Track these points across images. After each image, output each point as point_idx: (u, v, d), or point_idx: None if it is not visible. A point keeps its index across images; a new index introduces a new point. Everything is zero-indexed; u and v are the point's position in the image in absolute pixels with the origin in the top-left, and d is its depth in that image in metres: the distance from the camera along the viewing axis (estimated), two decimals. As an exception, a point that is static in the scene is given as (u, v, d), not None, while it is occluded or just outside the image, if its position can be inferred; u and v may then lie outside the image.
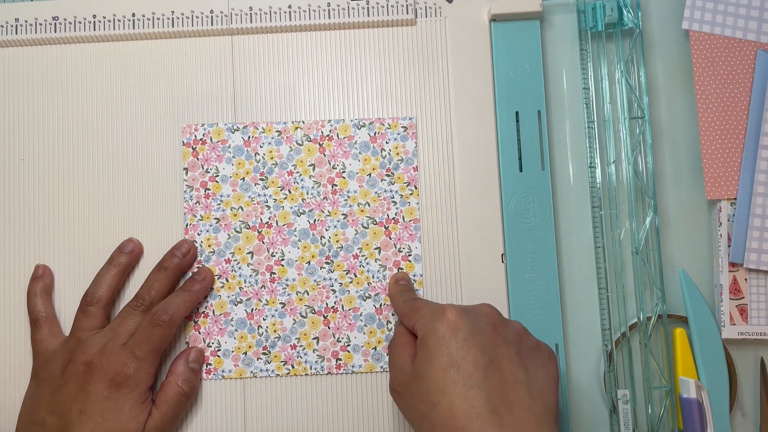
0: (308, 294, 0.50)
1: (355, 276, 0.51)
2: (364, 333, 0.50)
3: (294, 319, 0.50)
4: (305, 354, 0.50)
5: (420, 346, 0.42)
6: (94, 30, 0.52)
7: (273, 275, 0.51)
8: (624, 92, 0.52)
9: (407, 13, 0.52)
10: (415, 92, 0.52)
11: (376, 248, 0.51)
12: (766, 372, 0.50)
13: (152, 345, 0.46)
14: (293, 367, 0.50)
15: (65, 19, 0.53)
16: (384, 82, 0.52)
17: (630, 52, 0.52)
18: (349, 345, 0.50)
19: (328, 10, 0.52)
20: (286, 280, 0.50)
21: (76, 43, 0.53)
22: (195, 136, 0.52)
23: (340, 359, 0.50)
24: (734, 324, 0.49)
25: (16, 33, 0.53)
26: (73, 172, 0.52)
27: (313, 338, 0.50)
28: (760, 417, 0.50)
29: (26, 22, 0.53)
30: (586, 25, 0.53)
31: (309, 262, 0.51)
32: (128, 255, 0.50)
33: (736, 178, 0.50)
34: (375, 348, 0.50)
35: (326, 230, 0.51)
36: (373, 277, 0.51)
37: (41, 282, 0.50)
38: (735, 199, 0.50)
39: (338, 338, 0.50)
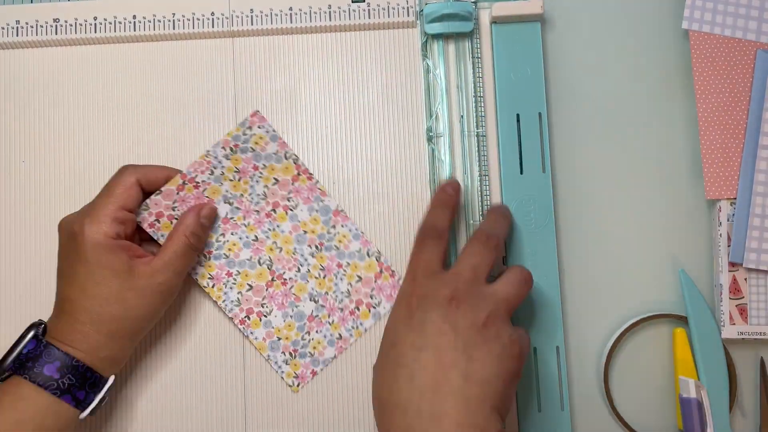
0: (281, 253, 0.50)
1: (324, 279, 0.51)
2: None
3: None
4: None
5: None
6: (95, 32, 0.52)
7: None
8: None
9: (408, 15, 0.52)
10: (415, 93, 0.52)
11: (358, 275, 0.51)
12: (766, 372, 0.50)
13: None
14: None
15: (66, 21, 0.52)
16: (385, 84, 0.52)
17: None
18: None
19: (329, 12, 0.52)
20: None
21: (77, 45, 0.53)
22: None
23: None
24: (734, 324, 0.49)
25: (17, 35, 0.52)
26: (74, 174, 0.52)
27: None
28: (760, 417, 0.50)
29: (27, 24, 0.52)
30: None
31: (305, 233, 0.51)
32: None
33: (736, 178, 0.50)
34: None
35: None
36: (335, 292, 0.51)
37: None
38: (735, 199, 0.50)
39: None
